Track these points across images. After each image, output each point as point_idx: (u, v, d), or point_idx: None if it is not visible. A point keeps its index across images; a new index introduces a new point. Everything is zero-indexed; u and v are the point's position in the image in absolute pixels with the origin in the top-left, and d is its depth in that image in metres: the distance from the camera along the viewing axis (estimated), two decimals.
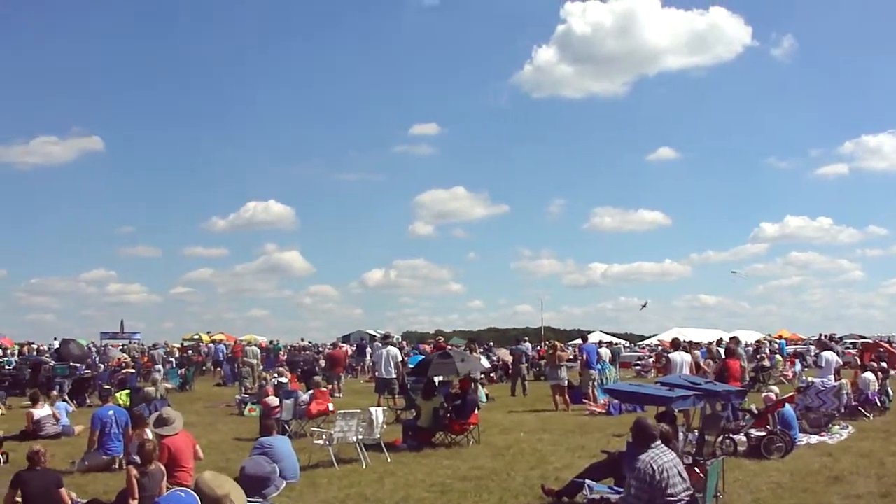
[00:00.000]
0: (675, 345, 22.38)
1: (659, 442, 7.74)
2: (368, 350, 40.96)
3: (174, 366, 36.86)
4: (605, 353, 29.56)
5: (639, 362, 44.00)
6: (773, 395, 16.24)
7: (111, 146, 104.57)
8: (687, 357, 20.07)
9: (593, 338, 33.37)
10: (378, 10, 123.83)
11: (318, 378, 21.47)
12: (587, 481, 10.26)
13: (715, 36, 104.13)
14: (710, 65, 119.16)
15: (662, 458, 7.53)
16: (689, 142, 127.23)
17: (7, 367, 32.12)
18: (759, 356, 32.46)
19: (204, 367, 42.17)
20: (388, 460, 14.51)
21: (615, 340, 57.45)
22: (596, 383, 24.06)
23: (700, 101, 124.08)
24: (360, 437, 14.47)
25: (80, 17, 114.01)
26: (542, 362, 35.14)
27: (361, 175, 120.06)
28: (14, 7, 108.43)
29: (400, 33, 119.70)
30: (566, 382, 23.79)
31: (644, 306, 75.52)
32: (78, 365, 30.37)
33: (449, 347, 26.62)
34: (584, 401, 23.42)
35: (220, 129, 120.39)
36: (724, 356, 19.21)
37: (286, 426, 17.35)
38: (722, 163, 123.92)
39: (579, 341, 32.19)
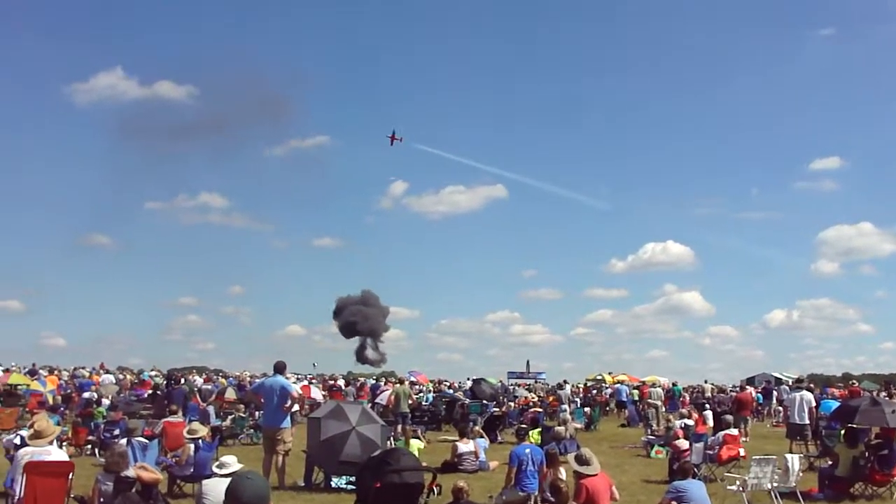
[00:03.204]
0: None
1: None
2: (775, 393, 39.24)
3: (579, 405, 37.45)
4: None
5: None
6: None
7: (514, 193, 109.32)
8: None
9: None
10: (773, 43, 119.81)
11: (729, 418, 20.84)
12: None
13: None
14: None
15: None
16: None
17: (424, 403, 34.28)
18: None
19: (608, 408, 42.51)
20: None
21: None
22: None
23: None
24: (775, 484, 13.94)
25: (487, 70, 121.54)
26: None
27: (761, 213, 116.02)
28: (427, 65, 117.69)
29: (796, 65, 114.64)
30: None
31: None
32: (489, 403, 31.85)
33: (863, 392, 24.86)
34: None
35: (611, 171, 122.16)
36: None
37: (696, 470, 17.03)
38: None
39: None
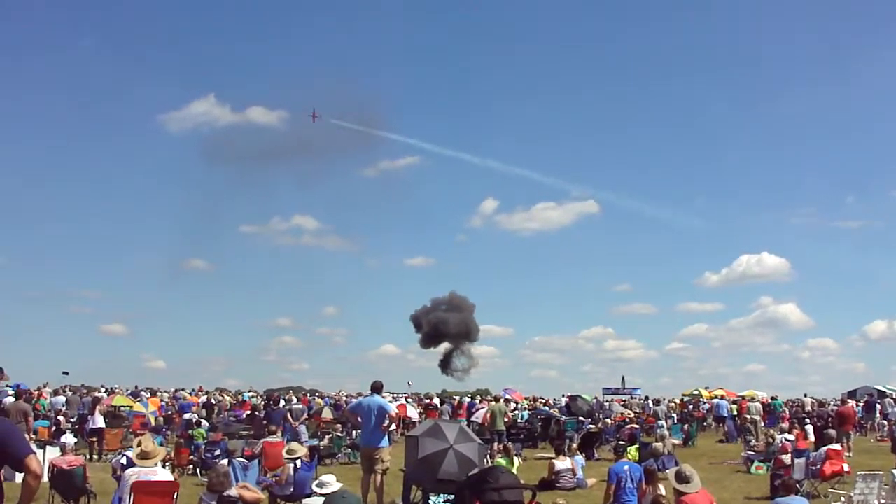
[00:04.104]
0: None
1: None
2: (878, 406, 38.12)
3: (676, 421, 36.93)
4: None
5: None
6: None
7: (606, 209, 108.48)
8: None
9: None
10: (870, 45, 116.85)
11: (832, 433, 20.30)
12: None
13: None
14: None
15: None
16: None
17: (520, 421, 34.17)
18: None
19: (705, 423, 41.84)
20: None
21: None
22: None
23: None
24: (882, 500, 13.56)
25: (578, 85, 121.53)
26: None
27: (858, 221, 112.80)
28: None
29: (893, 67, 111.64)
30: None
31: None
32: (585, 420, 31.63)
33: None
34: None
35: (703, 183, 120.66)
36: None
37: (798, 486, 16.65)
38: None
39: None
